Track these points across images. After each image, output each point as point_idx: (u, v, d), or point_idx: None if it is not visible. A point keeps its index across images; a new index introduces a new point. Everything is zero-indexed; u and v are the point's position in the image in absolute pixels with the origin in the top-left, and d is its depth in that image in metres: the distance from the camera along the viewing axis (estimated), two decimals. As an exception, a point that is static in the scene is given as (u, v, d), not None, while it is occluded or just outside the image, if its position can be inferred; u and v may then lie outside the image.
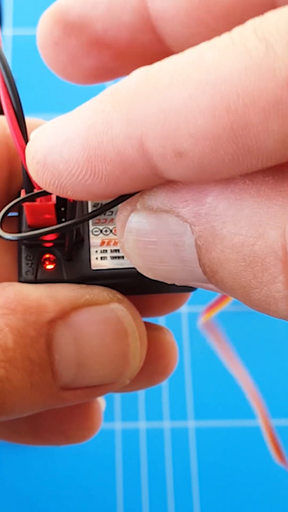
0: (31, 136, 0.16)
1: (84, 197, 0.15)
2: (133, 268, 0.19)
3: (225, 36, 0.13)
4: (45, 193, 0.17)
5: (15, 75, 0.44)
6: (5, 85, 0.16)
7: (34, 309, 0.18)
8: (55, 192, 0.16)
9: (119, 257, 0.19)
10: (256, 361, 0.45)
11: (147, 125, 0.13)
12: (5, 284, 0.19)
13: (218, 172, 0.14)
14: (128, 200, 0.16)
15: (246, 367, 0.42)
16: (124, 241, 0.16)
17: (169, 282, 0.17)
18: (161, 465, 0.43)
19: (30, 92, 0.53)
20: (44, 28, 0.19)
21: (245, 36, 0.13)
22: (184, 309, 0.47)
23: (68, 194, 0.15)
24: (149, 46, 0.19)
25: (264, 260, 0.14)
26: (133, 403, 0.45)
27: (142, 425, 0.44)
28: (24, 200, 0.17)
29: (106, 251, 0.19)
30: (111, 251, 0.19)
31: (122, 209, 0.16)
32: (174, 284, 0.17)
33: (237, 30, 0.13)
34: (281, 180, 0.14)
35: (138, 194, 0.16)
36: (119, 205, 0.16)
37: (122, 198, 0.16)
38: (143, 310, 0.20)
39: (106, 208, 0.16)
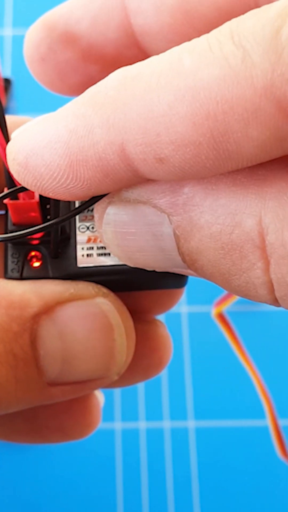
0: (13, 135, 0.16)
1: (66, 198, 0.15)
2: (120, 265, 0.19)
3: (203, 40, 0.13)
4: (23, 189, 0.17)
5: (11, 78, 0.44)
6: None
7: (18, 303, 0.18)
8: (37, 192, 0.16)
9: (105, 254, 0.19)
10: (261, 361, 0.45)
11: (127, 131, 0.13)
12: None
13: (199, 175, 0.14)
14: None
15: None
16: (103, 232, 0.17)
17: (148, 269, 0.17)
18: (161, 465, 0.43)
19: (30, 92, 0.53)
20: (30, 44, 0.20)
21: (222, 42, 0.13)
22: (184, 309, 0.47)
23: (50, 195, 0.15)
24: (135, 60, 0.20)
25: (242, 247, 0.14)
26: (133, 403, 0.45)
27: (142, 425, 0.44)
28: (2, 197, 0.17)
29: (92, 248, 0.19)
30: (98, 248, 0.19)
31: (99, 201, 0.16)
32: (162, 280, 0.17)
33: (214, 34, 0.13)
34: (256, 168, 0.14)
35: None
36: None
37: (100, 197, 0.16)
38: (134, 311, 0.20)
39: (87, 205, 0.16)
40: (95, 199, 0.16)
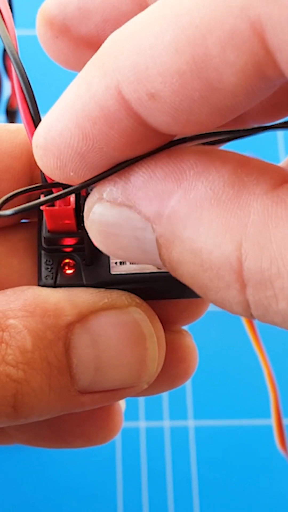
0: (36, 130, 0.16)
1: (86, 174, 0.15)
2: (153, 273, 0.19)
3: None
4: (45, 186, 0.17)
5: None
6: (22, 91, 0.16)
7: (53, 312, 0.18)
8: (61, 177, 0.16)
9: None
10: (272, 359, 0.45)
11: (120, 71, 0.14)
12: (25, 287, 0.19)
13: (191, 112, 0.14)
14: (98, 187, 0.16)
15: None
16: (88, 228, 0.17)
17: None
18: (161, 464, 0.44)
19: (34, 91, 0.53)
20: (43, 21, 0.20)
21: None
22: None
23: (71, 175, 0.15)
24: None
25: (219, 268, 0.14)
26: (133, 403, 0.45)
27: (142, 424, 0.44)
28: (24, 191, 0.17)
29: None
30: None
31: (91, 194, 0.16)
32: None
33: None
34: (241, 191, 0.14)
35: (106, 184, 0.16)
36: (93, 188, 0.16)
37: (121, 165, 0.16)
38: (160, 321, 0.20)
39: (104, 175, 0.16)
40: (111, 170, 0.16)
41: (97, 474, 0.43)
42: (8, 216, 0.16)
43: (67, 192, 0.16)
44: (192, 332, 0.46)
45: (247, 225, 0.14)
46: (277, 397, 0.28)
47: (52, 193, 0.18)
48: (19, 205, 0.17)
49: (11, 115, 0.44)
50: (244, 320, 0.26)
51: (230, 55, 0.13)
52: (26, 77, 0.16)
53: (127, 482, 0.43)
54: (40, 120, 0.17)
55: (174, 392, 0.45)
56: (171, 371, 0.22)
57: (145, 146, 0.15)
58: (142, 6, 0.19)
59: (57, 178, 0.16)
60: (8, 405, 0.17)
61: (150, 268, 0.19)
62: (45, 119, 0.15)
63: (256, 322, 0.26)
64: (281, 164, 0.18)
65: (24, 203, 0.17)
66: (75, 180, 0.16)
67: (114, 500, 0.43)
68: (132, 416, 0.44)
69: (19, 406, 0.17)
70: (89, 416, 0.23)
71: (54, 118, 0.15)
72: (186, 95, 0.13)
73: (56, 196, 0.16)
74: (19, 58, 0.16)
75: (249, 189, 0.14)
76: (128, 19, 0.19)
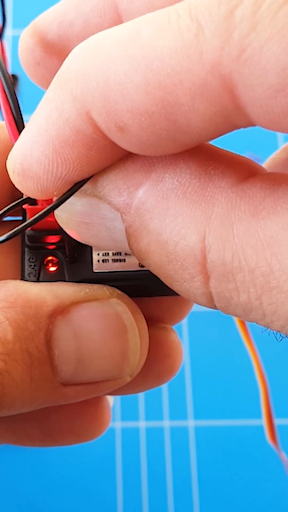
0: (10, 153, 0.16)
1: (71, 191, 0.16)
2: (135, 271, 0.19)
3: (164, 12, 0.13)
4: (30, 199, 0.17)
5: (17, 74, 0.44)
6: (4, 92, 0.16)
7: (34, 302, 0.18)
8: (44, 197, 0.16)
9: (120, 260, 0.19)
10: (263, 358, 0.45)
11: (89, 101, 0.14)
12: (7, 280, 0.19)
13: (159, 147, 0.14)
14: None
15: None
16: (57, 216, 0.17)
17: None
18: (161, 463, 0.44)
19: (30, 92, 0.53)
20: (24, 48, 0.20)
21: (180, 15, 0.13)
22: (183, 308, 0.47)
23: (55, 194, 0.16)
24: None
25: (184, 260, 0.14)
26: (133, 403, 0.45)
27: (142, 424, 0.44)
28: (7, 210, 0.17)
29: (108, 253, 0.19)
30: (113, 253, 0.19)
31: None
32: None
33: (174, 8, 0.13)
34: (206, 183, 0.14)
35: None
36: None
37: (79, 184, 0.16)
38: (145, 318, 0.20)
39: (69, 194, 0.16)
40: (73, 189, 0.16)
41: (97, 474, 0.43)
42: (1, 242, 0.16)
43: (49, 209, 0.16)
44: (192, 333, 0.46)
45: (210, 218, 0.14)
46: (267, 392, 0.28)
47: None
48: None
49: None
50: (236, 319, 0.26)
51: (200, 106, 0.13)
52: (9, 77, 0.16)
53: (127, 482, 0.43)
54: (22, 121, 0.17)
55: (174, 392, 0.45)
56: (157, 366, 0.22)
57: (121, 155, 0.15)
58: None
59: (39, 198, 0.16)
60: None
61: (132, 267, 0.19)
62: (19, 145, 0.15)
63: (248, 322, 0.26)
64: (269, 160, 0.19)
65: (7, 204, 0.18)
66: (57, 196, 0.16)
67: (114, 500, 0.43)
68: (132, 416, 0.44)
69: (0, 397, 0.17)
70: (77, 412, 0.23)
71: (28, 145, 0.15)
72: (153, 132, 0.13)
73: (40, 216, 0.16)
74: (1, 60, 0.16)
75: (214, 182, 0.14)
76: None
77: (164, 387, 0.45)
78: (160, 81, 0.13)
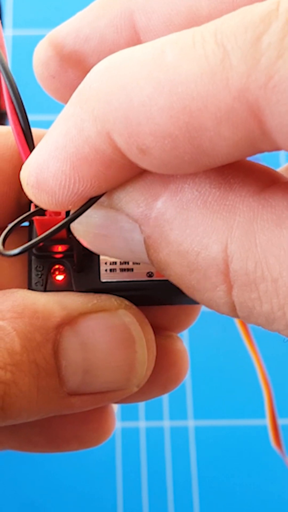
0: (24, 164, 0.16)
1: (87, 205, 0.16)
2: (143, 281, 0.19)
3: (188, 34, 0.13)
4: (40, 212, 0.17)
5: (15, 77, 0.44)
6: (12, 102, 0.16)
7: (41, 313, 0.18)
8: (58, 209, 0.16)
9: (128, 269, 0.19)
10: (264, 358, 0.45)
11: (111, 122, 0.14)
12: (14, 289, 0.19)
13: (180, 168, 0.14)
14: None
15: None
16: (74, 229, 0.17)
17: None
18: (161, 464, 0.44)
19: (30, 92, 0.53)
20: (39, 62, 0.20)
21: (205, 39, 0.13)
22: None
23: (70, 208, 0.16)
24: None
25: (206, 270, 0.14)
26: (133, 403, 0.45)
27: (142, 424, 0.44)
28: (19, 223, 0.17)
29: (115, 263, 0.19)
30: (121, 263, 0.19)
31: None
32: (184, 296, 0.17)
33: (200, 30, 0.13)
34: (227, 192, 0.14)
35: None
36: None
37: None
38: (152, 327, 0.20)
39: (85, 208, 0.16)
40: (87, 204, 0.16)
41: (97, 474, 0.43)
42: (14, 255, 0.16)
43: (65, 223, 0.16)
44: (193, 333, 0.46)
45: (232, 227, 0.14)
46: (270, 395, 0.28)
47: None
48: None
49: (0, 117, 0.43)
50: (236, 320, 0.26)
51: (225, 131, 0.13)
52: (16, 88, 0.16)
53: (127, 482, 0.43)
54: (30, 132, 0.17)
55: (174, 392, 0.45)
56: (163, 375, 0.22)
57: (137, 172, 0.15)
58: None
59: (52, 210, 0.16)
60: None
61: (139, 276, 0.19)
62: (35, 158, 0.15)
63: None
64: (281, 169, 0.18)
65: (12, 210, 0.17)
66: (73, 208, 0.16)
67: (114, 500, 0.43)
68: (132, 416, 0.44)
69: (7, 408, 0.17)
70: (82, 419, 0.23)
71: (45, 159, 0.15)
72: (176, 155, 0.13)
73: (56, 229, 0.16)
74: (9, 70, 0.16)
75: (235, 191, 0.14)
76: None
77: (164, 387, 0.45)
78: (185, 105, 0.13)
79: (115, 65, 0.14)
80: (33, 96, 0.53)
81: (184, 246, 0.15)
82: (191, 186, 0.15)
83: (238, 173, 0.15)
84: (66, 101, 0.20)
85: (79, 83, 0.18)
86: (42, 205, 0.16)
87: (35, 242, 0.16)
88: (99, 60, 0.16)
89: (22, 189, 0.18)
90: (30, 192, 0.16)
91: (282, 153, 0.50)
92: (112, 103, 0.14)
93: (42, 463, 0.44)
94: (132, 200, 0.15)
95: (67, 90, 0.20)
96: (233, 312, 0.15)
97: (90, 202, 0.15)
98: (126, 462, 0.44)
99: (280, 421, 0.43)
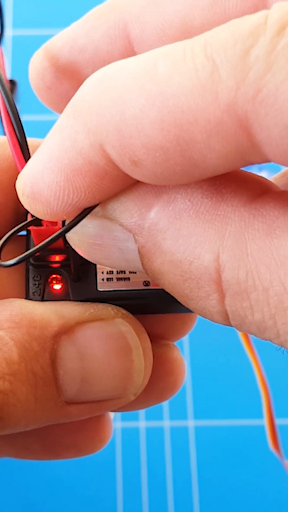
0: (19, 174, 0.16)
1: (81, 216, 0.16)
2: (139, 290, 0.19)
3: (179, 47, 0.13)
4: (37, 222, 0.18)
5: (15, 79, 0.44)
6: (7, 114, 0.16)
7: (39, 323, 0.18)
8: (53, 219, 0.16)
9: (124, 279, 0.19)
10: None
11: (103, 134, 0.14)
12: (13, 299, 0.19)
13: (172, 179, 0.14)
14: None
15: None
16: (70, 238, 0.17)
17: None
18: (161, 464, 0.44)
19: (30, 92, 0.53)
20: (35, 73, 0.20)
21: (195, 52, 0.13)
22: (183, 308, 0.47)
23: (64, 217, 0.16)
24: None
25: (199, 279, 0.15)
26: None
27: (142, 424, 0.44)
28: (15, 232, 0.17)
29: (112, 272, 0.19)
30: (117, 272, 0.19)
31: None
32: (180, 304, 0.17)
33: (191, 43, 0.13)
34: (218, 202, 0.14)
35: None
36: None
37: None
38: (149, 335, 0.20)
39: (79, 219, 0.16)
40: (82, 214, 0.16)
41: (97, 474, 0.43)
42: (11, 266, 0.17)
43: (61, 233, 0.16)
44: (192, 333, 0.46)
45: (224, 236, 0.14)
46: (269, 398, 0.28)
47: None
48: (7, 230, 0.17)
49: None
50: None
51: (215, 144, 0.13)
52: (12, 100, 0.16)
53: (127, 482, 0.43)
54: (26, 143, 0.17)
55: (174, 392, 0.45)
56: (159, 384, 0.23)
57: (131, 182, 0.15)
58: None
59: (48, 220, 0.16)
60: None
61: (136, 285, 0.19)
62: (30, 168, 0.15)
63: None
64: (282, 172, 0.18)
65: (10, 220, 0.17)
66: (68, 219, 0.16)
67: (114, 500, 0.43)
68: (132, 416, 0.45)
69: (5, 417, 0.17)
70: (79, 427, 0.23)
71: (40, 170, 0.15)
72: (168, 167, 0.14)
73: (52, 239, 0.16)
74: (5, 81, 0.16)
75: (227, 201, 0.14)
76: None
77: (164, 387, 0.45)
78: (176, 118, 0.13)
79: (108, 77, 0.14)
80: (33, 96, 0.53)
81: (177, 256, 0.15)
82: (183, 197, 0.15)
83: (230, 183, 0.15)
84: (61, 112, 0.20)
85: (74, 93, 0.18)
86: (38, 215, 0.16)
87: (31, 252, 0.16)
88: (93, 71, 0.16)
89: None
90: (25, 202, 0.16)
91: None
92: (105, 116, 0.14)
93: (42, 463, 0.44)
94: (126, 210, 0.15)
95: (63, 101, 0.20)
96: (226, 320, 0.15)
97: (85, 212, 0.16)
98: (126, 462, 0.44)
99: (279, 421, 0.43)
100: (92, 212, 0.16)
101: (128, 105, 0.13)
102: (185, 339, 0.46)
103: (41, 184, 0.15)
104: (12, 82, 0.41)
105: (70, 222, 0.16)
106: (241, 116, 0.12)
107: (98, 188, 0.15)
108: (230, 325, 0.15)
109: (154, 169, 0.14)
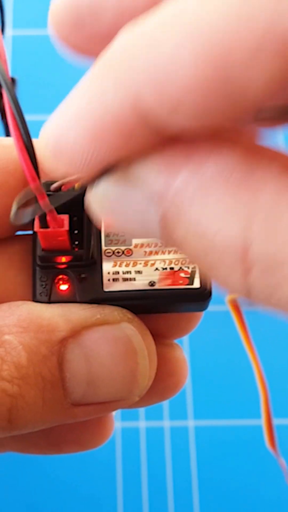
0: (45, 126, 0.15)
1: (103, 174, 0.15)
2: (144, 290, 0.19)
3: None
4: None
5: (15, 77, 0.44)
6: (14, 117, 0.16)
7: (46, 327, 0.18)
8: (74, 175, 0.15)
9: (130, 279, 0.20)
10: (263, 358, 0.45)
11: (138, 84, 0.13)
12: (19, 302, 0.19)
13: (215, 118, 0.13)
14: None
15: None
16: (90, 202, 0.16)
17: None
18: (161, 464, 0.44)
19: (30, 92, 0.53)
20: (54, 22, 0.19)
21: None
22: (183, 308, 0.47)
23: (85, 175, 0.15)
24: None
25: (222, 252, 0.14)
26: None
27: (142, 424, 0.44)
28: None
29: (118, 272, 0.20)
30: (123, 272, 0.20)
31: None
32: (185, 305, 0.17)
33: None
34: (252, 171, 0.14)
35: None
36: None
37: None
38: (152, 334, 0.20)
39: (101, 175, 0.15)
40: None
41: (97, 474, 0.43)
42: (26, 223, 0.17)
43: (78, 195, 0.16)
44: (193, 333, 0.46)
45: (255, 208, 0.13)
46: (267, 396, 0.28)
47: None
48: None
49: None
50: (234, 320, 0.26)
51: (256, 73, 0.12)
52: (18, 103, 0.16)
53: (127, 482, 0.43)
54: (32, 147, 0.17)
55: (174, 392, 0.45)
56: (162, 384, 0.23)
57: (157, 143, 0.15)
58: (157, 2, 0.18)
59: (68, 175, 0.16)
60: (3, 419, 0.18)
61: (141, 286, 0.19)
62: (55, 121, 0.15)
63: (246, 319, 0.26)
64: None
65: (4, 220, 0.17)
66: (86, 174, 0.15)
67: (114, 500, 0.43)
68: (132, 416, 0.45)
69: (14, 420, 0.17)
70: (82, 422, 0.23)
71: (66, 124, 0.14)
72: (210, 104, 0.13)
73: (67, 200, 0.16)
74: (9, 83, 0.16)
75: (260, 170, 0.13)
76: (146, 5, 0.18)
77: (164, 387, 0.45)
78: (212, 50, 0.12)
79: (139, 28, 0.13)
80: (33, 96, 0.53)
81: (201, 226, 0.14)
82: (214, 163, 0.14)
83: (265, 154, 0.14)
84: (83, 57, 0.19)
85: (95, 38, 0.18)
86: (59, 169, 0.15)
87: (45, 208, 0.16)
88: (117, 13, 0.16)
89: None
90: (48, 155, 0.15)
91: None
92: (139, 66, 0.13)
93: (42, 463, 0.44)
94: (151, 174, 0.15)
95: (84, 45, 0.19)
96: (250, 294, 0.14)
97: (107, 170, 0.15)
98: (126, 462, 0.44)
99: (277, 421, 0.43)
100: (115, 174, 0.15)
101: (162, 48, 0.13)
102: (185, 339, 0.46)
103: (66, 139, 0.14)
104: (12, 80, 0.41)
105: (91, 179, 0.15)
106: (283, 35, 0.12)
107: (124, 147, 0.14)
108: (253, 299, 0.14)
109: (195, 109, 0.13)
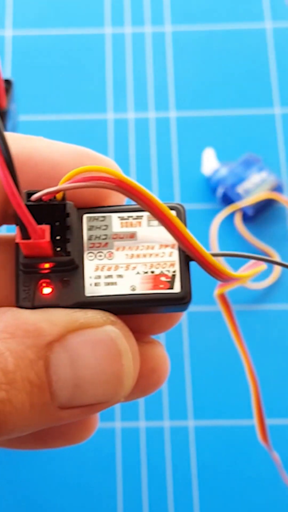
0: None
1: None
2: (126, 294, 0.20)
3: None
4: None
5: (11, 79, 0.43)
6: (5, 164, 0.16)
7: (32, 332, 0.19)
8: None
9: (112, 283, 0.20)
10: (257, 359, 0.45)
11: None
12: (4, 309, 0.20)
13: None
14: None
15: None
16: None
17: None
18: (161, 464, 0.44)
19: (30, 92, 0.53)
20: None
21: None
22: (183, 308, 0.47)
23: None
24: None
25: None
26: (133, 403, 0.45)
27: (142, 424, 0.44)
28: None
29: (100, 276, 0.20)
30: (105, 276, 0.20)
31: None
32: (166, 307, 0.18)
33: None
34: None
35: None
36: None
37: None
38: (132, 331, 0.21)
39: None
40: None
41: (97, 473, 0.43)
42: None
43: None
44: (193, 332, 0.46)
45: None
46: (257, 391, 0.28)
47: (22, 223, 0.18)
48: None
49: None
50: (226, 321, 0.26)
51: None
52: (10, 152, 0.17)
53: (127, 482, 0.43)
54: (11, 160, 0.17)
55: (174, 392, 0.45)
56: (143, 381, 0.23)
57: None
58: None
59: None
60: None
61: (123, 290, 0.20)
62: None
63: (238, 320, 0.26)
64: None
65: None
66: None
67: (114, 499, 0.43)
68: (132, 416, 0.45)
69: (2, 425, 0.18)
70: None
71: None
72: None
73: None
74: None
75: None
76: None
77: (164, 387, 0.45)
78: None
79: None
80: (33, 96, 0.53)
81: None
82: None
83: None
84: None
85: None
86: None
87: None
88: None
89: (7, 200, 0.18)
90: None
91: (282, 157, 0.50)
92: None
93: (42, 462, 0.44)
94: None
95: None
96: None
97: None
98: (126, 462, 0.44)
99: (272, 421, 0.43)
100: None
101: None
102: (185, 338, 0.46)
103: None
104: (8, 82, 0.41)
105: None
106: None
107: None
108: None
109: None
